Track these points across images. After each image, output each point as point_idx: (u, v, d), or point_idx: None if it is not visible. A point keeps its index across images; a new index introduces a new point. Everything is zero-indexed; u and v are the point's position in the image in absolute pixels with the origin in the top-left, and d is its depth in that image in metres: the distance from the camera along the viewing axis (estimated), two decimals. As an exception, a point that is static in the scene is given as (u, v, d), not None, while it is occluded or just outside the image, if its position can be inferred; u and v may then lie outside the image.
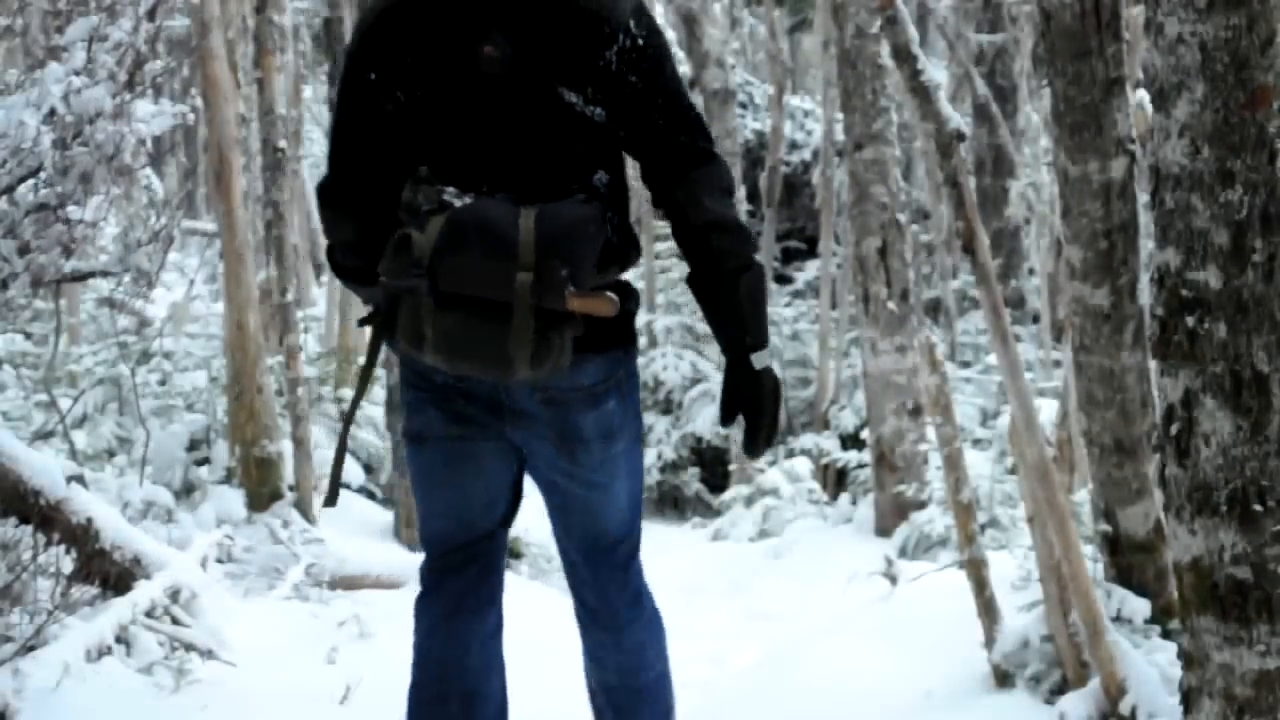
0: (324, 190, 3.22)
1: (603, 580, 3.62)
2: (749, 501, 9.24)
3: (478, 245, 2.96)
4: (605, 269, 3.05)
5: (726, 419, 3.21)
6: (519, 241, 2.94)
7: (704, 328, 11.30)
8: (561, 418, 3.22)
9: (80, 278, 5.40)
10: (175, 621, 5.28)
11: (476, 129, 3.09)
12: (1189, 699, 2.98)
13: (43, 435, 6.98)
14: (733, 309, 3.09)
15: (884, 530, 7.72)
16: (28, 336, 9.93)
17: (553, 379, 3.07)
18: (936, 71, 5.70)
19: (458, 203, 3.03)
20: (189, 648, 5.17)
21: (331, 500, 3.50)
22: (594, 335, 3.04)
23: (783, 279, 12.68)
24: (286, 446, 7.03)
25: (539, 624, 6.56)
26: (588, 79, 3.07)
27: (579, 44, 3.06)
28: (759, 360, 3.09)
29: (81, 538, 5.21)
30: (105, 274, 5.46)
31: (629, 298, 3.13)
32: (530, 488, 3.50)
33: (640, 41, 3.10)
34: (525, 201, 3.00)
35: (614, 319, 3.04)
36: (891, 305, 7.77)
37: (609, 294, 2.99)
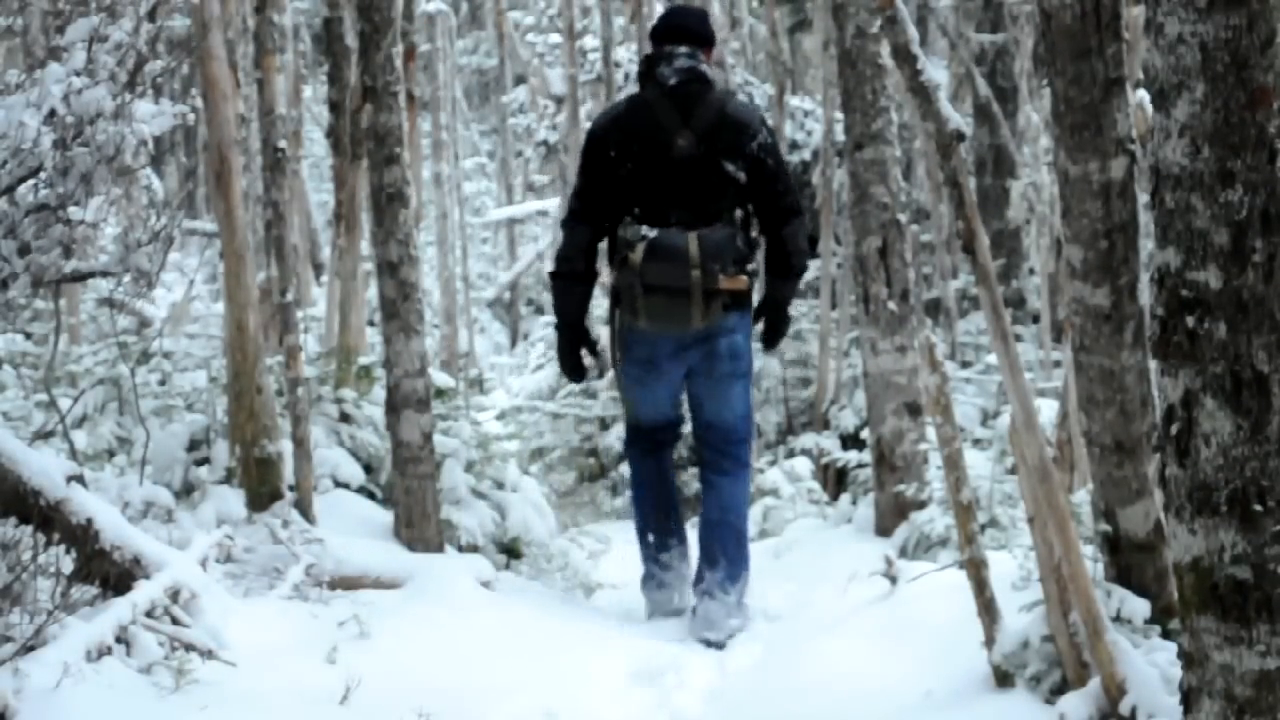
0: (574, 215, 6.02)
1: (716, 449, 6.12)
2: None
3: (667, 257, 5.68)
4: (739, 264, 5.81)
5: (768, 340, 6.30)
6: (690, 253, 5.68)
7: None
8: (711, 344, 5.93)
9: (80, 278, 5.40)
10: (175, 621, 5.28)
11: (671, 186, 5.81)
12: (1189, 699, 2.98)
13: (43, 435, 6.97)
14: (792, 288, 6.24)
15: (884, 530, 7.71)
16: (28, 336, 9.93)
17: (710, 324, 5.81)
18: (936, 71, 5.69)
19: (651, 234, 5.71)
20: (189, 648, 5.17)
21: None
22: (733, 301, 5.85)
23: (783, 279, 12.69)
24: (286, 446, 7.02)
25: (538, 623, 6.56)
26: (739, 157, 5.83)
27: (734, 138, 5.84)
28: (784, 307, 6.23)
29: (81, 538, 5.21)
30: (105, 274, 5.46)
31: (751, 279, 5.87)
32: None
33: (768, 139, 5.91)
34: (691, 228, 5.71)
35: (742, 291, 5.85)
36: (892, 305, 7.76)
37: (742, 276, 5.81)
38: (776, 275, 6.16)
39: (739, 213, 5.88)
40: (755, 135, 5.89)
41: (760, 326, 6.28)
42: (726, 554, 6.10)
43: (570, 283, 6.14)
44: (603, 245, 6.18)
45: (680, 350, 5.97)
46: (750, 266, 5.91)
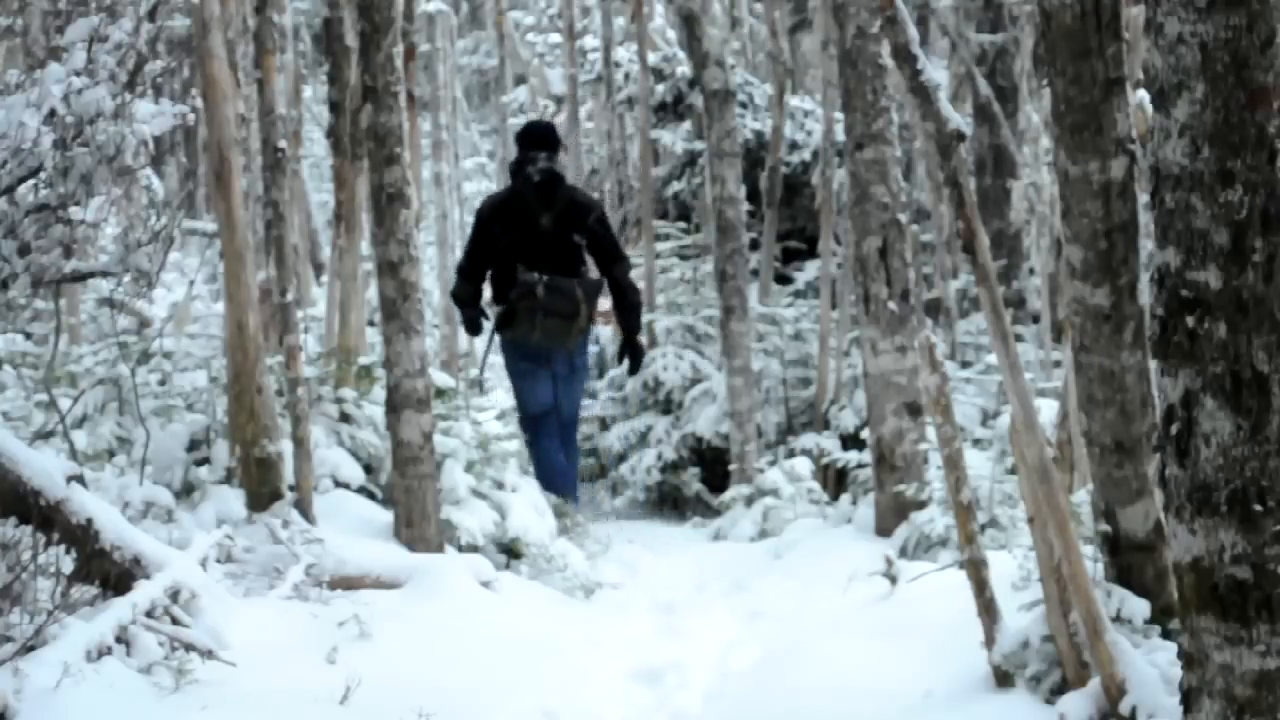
0: (461, 270, 8.80)
1: (565, 427, 8.92)
2: (749, 501, 9.23)
3: (561, 294, 8.38)
4: (597, 303, 8.51)
5: (632, 368, 9.25)
6: (577, 294, 8.43)
7: (705, 328, 11.31)
8: (571, 358, 8.71)
9: (80, 278, 5.40)
10: (175, 621, 5.28)
11: (539, 249, 8.46)
12: (1189, 699, 2.98)
13: (43, 435, 6.97)
14: (635, 321, 8.92)
15: (884, 530, 7.71)
16: (28, 336, 9.93)
17: (575, 342, 8.63)
18: (936, 71, 5.69)
19: (545, 278, 8.38)
20: (189, 648, 5.17)
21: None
22: (586, 328, 8.63)
23: (783, 279, 12.65)
24: (286, 446, 7.02)
25: (538, 623, 6.57)
26: (582, 230, 8.52)
27: (579, 217, 8.53)
28: (636, 339, 8.97)
29: (81, 538, 5.21)
30: (105, 274, 5.47)
31: (600, 315, 8.64)
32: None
33: (601, 214, 8.79)
34: (569, 277, 8.46)
35: (590, 322, 8.62)
36: (892, 305, 7.76)
37: (600, 314, 8.62)
38: (622, 311, 8.84)
39: (584, 268, 8.64)
40: (593, 212, 8.71)
41: (624, 360, 9.35)
42: (569, 484, 8.90)
43: (466, 307, 8.99)
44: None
45: (555, 359, 8.62)
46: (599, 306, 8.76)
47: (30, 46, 9.49)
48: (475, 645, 5.93)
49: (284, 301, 7.18)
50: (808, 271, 12.66)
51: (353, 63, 7.92)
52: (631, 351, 8.95)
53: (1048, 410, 5.83)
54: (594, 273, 8.89)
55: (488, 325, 9.02)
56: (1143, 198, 4.52)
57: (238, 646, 5.34)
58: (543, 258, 8.44)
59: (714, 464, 10.73)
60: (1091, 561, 4.75)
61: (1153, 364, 4.00)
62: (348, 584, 6.41)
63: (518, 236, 8.54)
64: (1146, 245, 4.52)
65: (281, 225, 7.47)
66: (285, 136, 7.56)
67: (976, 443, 8.66)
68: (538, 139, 8.69)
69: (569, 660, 6.16)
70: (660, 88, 13.32)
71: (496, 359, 9.96)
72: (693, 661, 6.45)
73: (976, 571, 4.93)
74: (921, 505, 7.56)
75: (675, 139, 13.18)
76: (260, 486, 6.93)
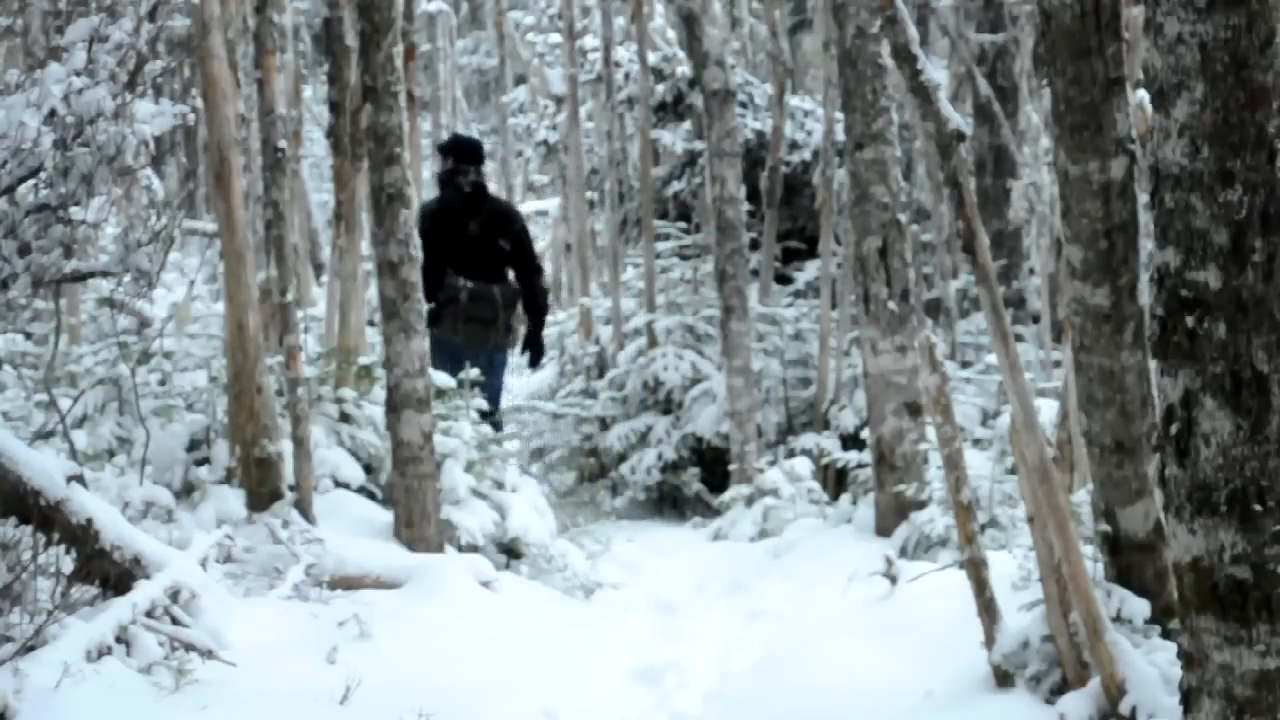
0: (424, 271, 7.24)
1: (491, 403, 8.65)
2: (749, 501, 9.23)
3: (483, 300, 9.16)
4: (517, 310, 9.39)
5: (532, 361, 9.96)
6: (496, 299, 9.24)
7: (705, 328, 11.31)
8: (490, 355, 9.16)
9: (80, 278, 5.40)
10: (175, 621, 5.28)
11: (468, 254, 9.22)
12: (1189, 699, 2.99)
13: (43, 435, 6.96)
14: (540, 321, 9.66)
15: (884, 530, 7.71)
16: (28, 336, 9.92)
17: (496, 343, 9.32)
18: (936, 71, 5.69)
19: (469, 284, 9.17)
20: (189, 648, 5.17)
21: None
22: (507, 330, 9.39)
23: (783, 279, 12.63)
24: (286, 446, 7.02)
25: (538, 623, 6.57)
26: (507, 237, 9.34)
27: (504, 225, 9.40)
28: (539, 337, 9.72)
29: (81, 538, 5.21)
30: (105, 274, 5.46)
31: (518, 320, 9.39)
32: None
33: (522, 224, 9.63)
34: (489, 282, 9.22)
35: (510, 326, 9.42)
36: (892, 305, 7.76)
37: (518, 318, 9.36)
38: (531, 315, 9.57)
39: (511, 274, 9.39)
40: (515, 222, 9.55)
41: (525, 353, 9.86)
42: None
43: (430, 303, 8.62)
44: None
45: (477, 357, 8.82)
46: (519, 311, 9.46)
47: (30, 46, 9.49)
48: (475, 645, 5.93)
49: (284, 301, 7.19)
50: (808, 271, 12.66)
51: (353, 63, 7.91)
52: (533, 347, 9.75)
53: (1048, 410, 5.84)
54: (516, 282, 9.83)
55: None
56: (1143, 198, 4.52)
57: (238, 646, 5.34)
58: (470, 263, 9.18)
59: (714, 464, 10.73)
60: (1091, 561, 4.75)
61: (1153, 364, 4.00)
62: (348, 584, 6.41)
63: (447, 242, 9.18)
64: (1146, 245, 4.52)
65: (281, 225, 7.47)
66: (285, 136, 7.56)
67: (976, 443, 8.66)
68: (466, 153, 9.46)
69: (569, 660, 6.16)
70: (660, 88, 13.31)
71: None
72: (693, 661, 6.46)
73: (976, 571, 4.93)
74: (921, 505, 7.56)
75: (675, 139, 13.17)
76: (260, 486, 6.93)
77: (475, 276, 9.20)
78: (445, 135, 15.81)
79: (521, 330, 9.59)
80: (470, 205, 9.25)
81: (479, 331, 9.22)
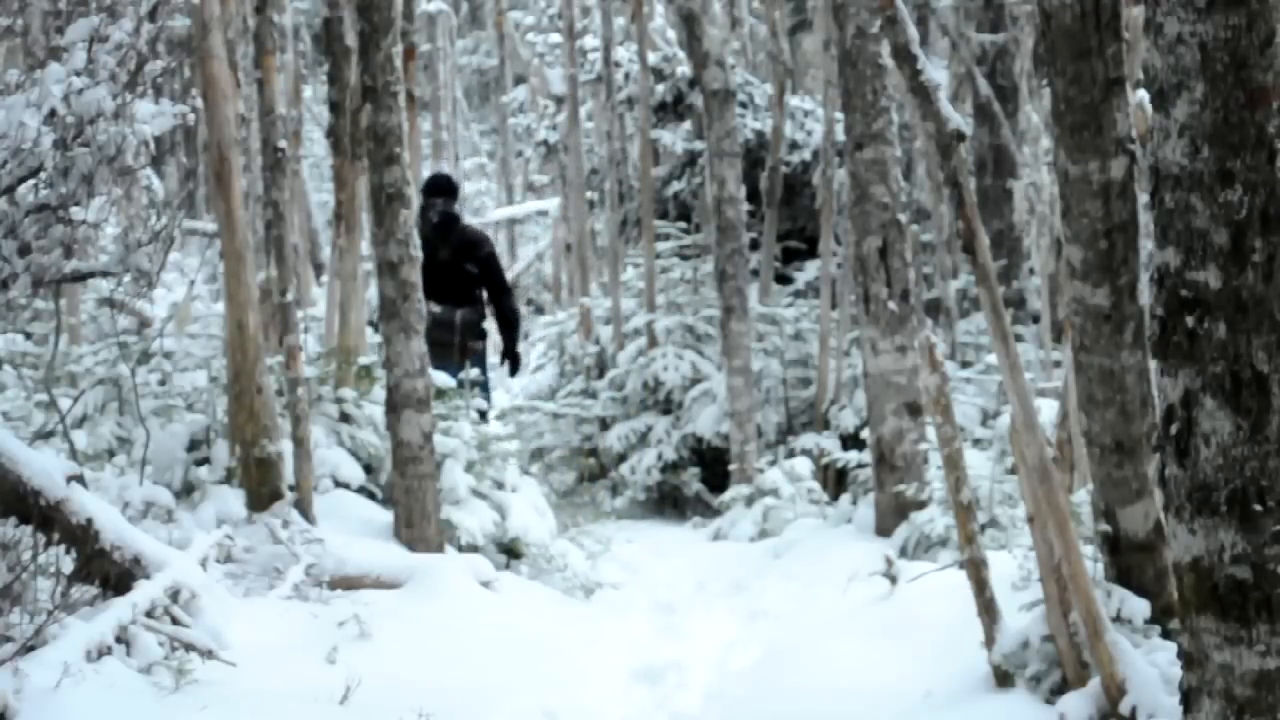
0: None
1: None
2: (749, 501, 9.24)
3: (443, 326, 9.68)
4: (479, 333, 10.02)
5: (511, 371, 10.48)
6: (456, 325, 9.86)
7: (705, 328, 11.32)
8: (453, 373, 8.49)
9: (80, 278, 5.40)
10: (175, 621, 5.28)
11: (439, 280, 9.50)
12: (1189, 699, 2.98)
13: (43, 435, 6.96)
14: (514, 337, 10.22)
15: (884, 530, 7.71)
16: (28, 336, 9.91)
17: (459, 365, 8.95)
18: (936, 71, 5.69)
19: (435, 309, 9.34)
20: (189, 648, 5.17)
21: None
22: (464, 355, 9.58)
23: (783, 279, 12.64)
24: (286, 446, 7.02)
25: (538, 623, 6.57)
26: (474, 261, 10.04)
27: (472, 250, 10.09)
28: (515, 350, 10.27)
29: (81, 538, 5.21)
30: (105, 274, 5.46)
31: (484, 341, 10.09)
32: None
33: (490, 248, 10.37)
34: (457, 305, 9.90)
35: (467, 349, 9.78)
36: (892, 305, 7.76)
37: (479, 341, 9.99)
38: (504, 331, 10.21)
39: (480, 295, 10.05)
40: (483, 247, 10.18)
41: (504, 364, 10.44)
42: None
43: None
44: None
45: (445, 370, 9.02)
46: (483, 332, 10.07)
47: (30, 46, 9.48)
48: (475, 645, 5.93)
49: (284, 301, 7.19)
50: (808, 271, 12.66)
51: (353, 63, 7.92)
52: (511, 359, 10.32)
53: (1048, 410, 5.84)
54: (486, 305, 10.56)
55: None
56: (1143, 198, 4.52)
57: (238, 646, 5.34)
58: (438, 288, 9.53)
59: (714, 464, 10.74)
60: (1091, 561, 4.75)
61: (1153, 364, 4.00)
62: (348, 584, 6.40)
63: (424, 268, 9.88)
64: (1146, 245, 4.52)
65: (281, 225, 7.47)
66: (285, 136, 7.56)
67: (976, 443, 8.67)
68: (438, 188, 10.26)
69: (569, 660, 6.16)
70: (660, 88, 13.32)
71: (494, 359, 10.79)
72: (693, 661, 6.46)
73: (976, 571, 4.93)
74: (921, 505, 7.56)
75: (675, 139, 13.18)
76: (260, 486, 6.93)
77: (443, 300, 9.71)
78: (445, 135, 15.83)
79: (479, 347, 10.06)
80: (439, 234, 9.86)
81: (440, 354, 9.41)
